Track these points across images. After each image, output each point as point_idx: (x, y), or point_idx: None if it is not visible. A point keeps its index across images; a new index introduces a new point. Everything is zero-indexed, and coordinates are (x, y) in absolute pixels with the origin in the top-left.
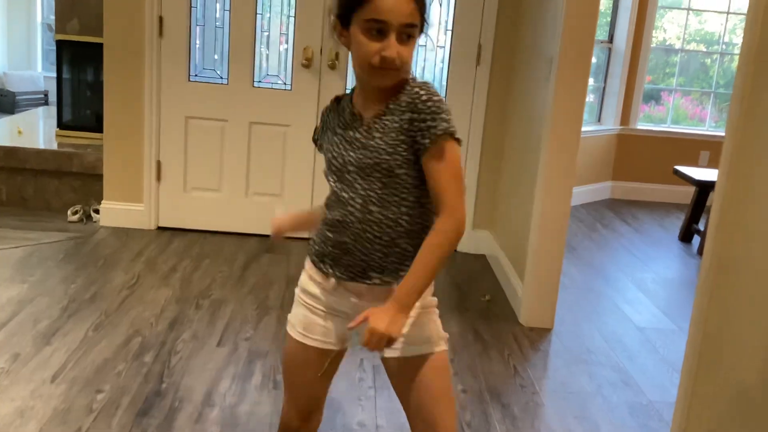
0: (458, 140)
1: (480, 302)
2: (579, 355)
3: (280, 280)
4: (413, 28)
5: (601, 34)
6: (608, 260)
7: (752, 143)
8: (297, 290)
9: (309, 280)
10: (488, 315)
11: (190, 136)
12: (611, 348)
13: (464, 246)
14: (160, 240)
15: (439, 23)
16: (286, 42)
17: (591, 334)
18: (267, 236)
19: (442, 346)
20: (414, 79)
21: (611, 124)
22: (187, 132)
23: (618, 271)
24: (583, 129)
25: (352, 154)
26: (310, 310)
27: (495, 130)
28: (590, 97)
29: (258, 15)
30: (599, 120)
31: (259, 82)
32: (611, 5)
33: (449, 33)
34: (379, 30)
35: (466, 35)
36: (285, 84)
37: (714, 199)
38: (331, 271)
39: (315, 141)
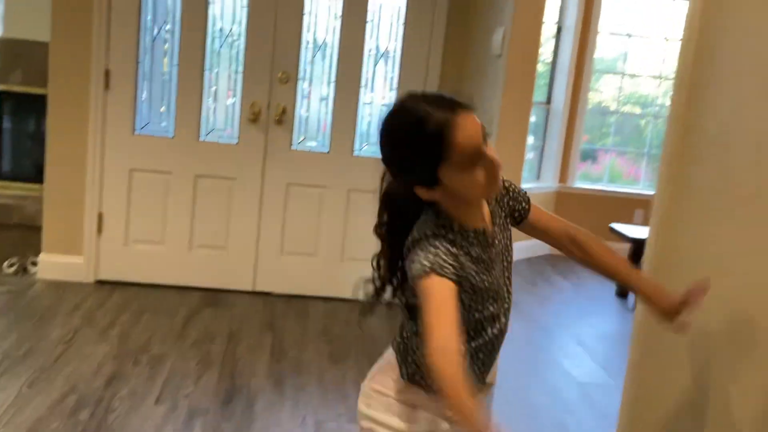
0: None
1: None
2: (521, 410)
3: (222, 335)
4: (485, 130)
5: (539, 95)
6: (548, 315)
7: (679, 204)
8: None
9: (439, 419)
10: None
11: (134, 188)
12: (552, 403)
13: None
14: (99, 293)
15: (385, 81)
16: (234, 96)
17: (532, 389)
18: (209, 289)
19: None
20: None
21: (550, 181)
22: (131, 184)
23: (558, 325)
24: (524, 186)
25: (499, 268)
26: None
27: None
28: (530, 155)
29: (206, 70)
30: (539, 178)
31: (207, 135)
32: (549, 68)
33: (394, 92)
34: (474, 159)
35: None
36: (232, 137)
37: (645, 258)
38: None
39: (455, 279)
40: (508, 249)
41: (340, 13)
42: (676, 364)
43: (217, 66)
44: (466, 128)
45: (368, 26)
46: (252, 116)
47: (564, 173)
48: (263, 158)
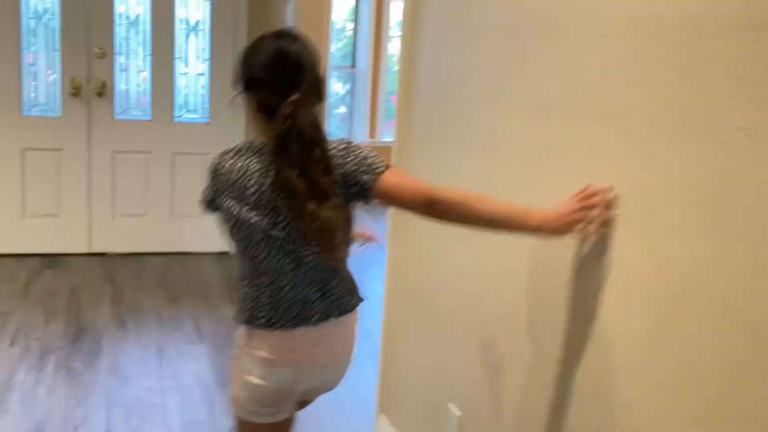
0: None
1: None
2: None
3: (64, 291)
4: None
5: (345, 60)
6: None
7: (408, 141)
8: None
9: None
10: None
11: None
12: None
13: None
14: None
15: (197, 53)
16: (54, 73)
17: None
18: (46, 255)
19: None
20: None
21: (361, 137)
22: None
23: (368, 259)
24: None
25: None
26: None
27: None
28: (342, 113)
29: (23, 49)
30: (350, 135)
31: (29, 110)
32: (353, 35)
33: (207, 62)
34: None
35: (222, 64)
36: (55, 111)
37: None
38: None
39: None
40: None
41: None
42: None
43: (35, 44)
44: None
45: (177, 2)
46: (73, 90)
47: (373, 130)
48: (87, 129)
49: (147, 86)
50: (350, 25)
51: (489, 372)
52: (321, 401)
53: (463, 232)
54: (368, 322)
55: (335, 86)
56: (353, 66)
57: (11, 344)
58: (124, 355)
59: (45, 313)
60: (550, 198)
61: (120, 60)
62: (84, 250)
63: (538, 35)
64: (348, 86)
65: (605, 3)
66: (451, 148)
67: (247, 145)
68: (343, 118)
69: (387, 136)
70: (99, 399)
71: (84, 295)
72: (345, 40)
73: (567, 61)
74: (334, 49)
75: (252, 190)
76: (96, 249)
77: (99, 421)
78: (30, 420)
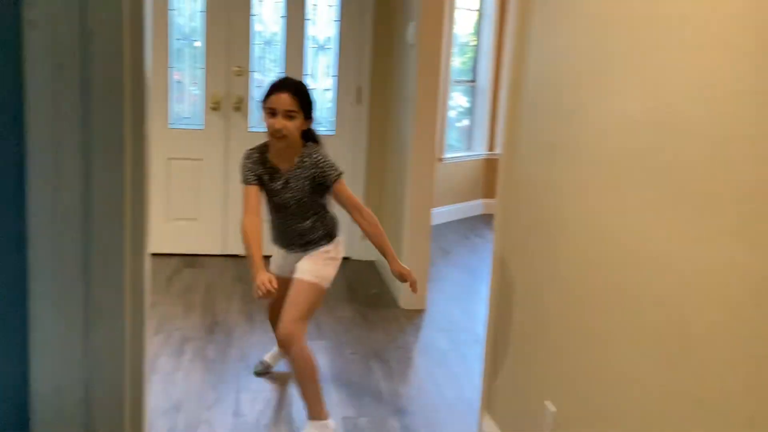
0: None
1: (369, 295)
2: (444, 325)
3: (201, 287)
4: (293, 112)
5: (466, 75)
6: (477, 260)
7: (515, 147)
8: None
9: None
10: (376, 304)
11: None
12: (469, 320)
13: (355, 253)
14: None
15: (326, 69)
16: (197, 89)
17: (455, 311)
18: (186, 255)
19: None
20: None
21: (480, 150)
22: None
23: (483, 267)
24: (456, 155)
25: (287, 193)
26: None
27: (377, 156)
28: (464, 127)
29: (170, 67)
30: (470, 147)
31: (173, 123)
32: (474, 51)
33: (334, 78)
34: (271, 112)
35: (347, 79)
36: (198, 124)
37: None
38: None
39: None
40: (298, 189)
41: (283, 12)
42: (527, 291)
43: (181, 63)
44: (271, 99)
45: (308, 23)
46: (214, 105)
47: (492, 143)
48: (226, 140)
49: None
50: (474, 40)
51: (584, 370)
52: (431, 401)
53: (569, 237)
54: (478, 326)
55: (459, 100)
56: (474, 80)
57: (156, 332)
58: (252, 346)
59: (184, 306)
60: (637, 211)
61: (255, 77)
62: (218, 251)
63: (630, 53)
64: (466, 98)
65: (695, 17)
66: (551, 161)
67: None
68: (463, 131)
69: None
70: (229, 384)
71: (218, 292)
72: (469, 54)
73: (656, 77)
74: (459, 63)
75: None
76: (229, 251)
77: (228, 404)
78: (169, 399)
